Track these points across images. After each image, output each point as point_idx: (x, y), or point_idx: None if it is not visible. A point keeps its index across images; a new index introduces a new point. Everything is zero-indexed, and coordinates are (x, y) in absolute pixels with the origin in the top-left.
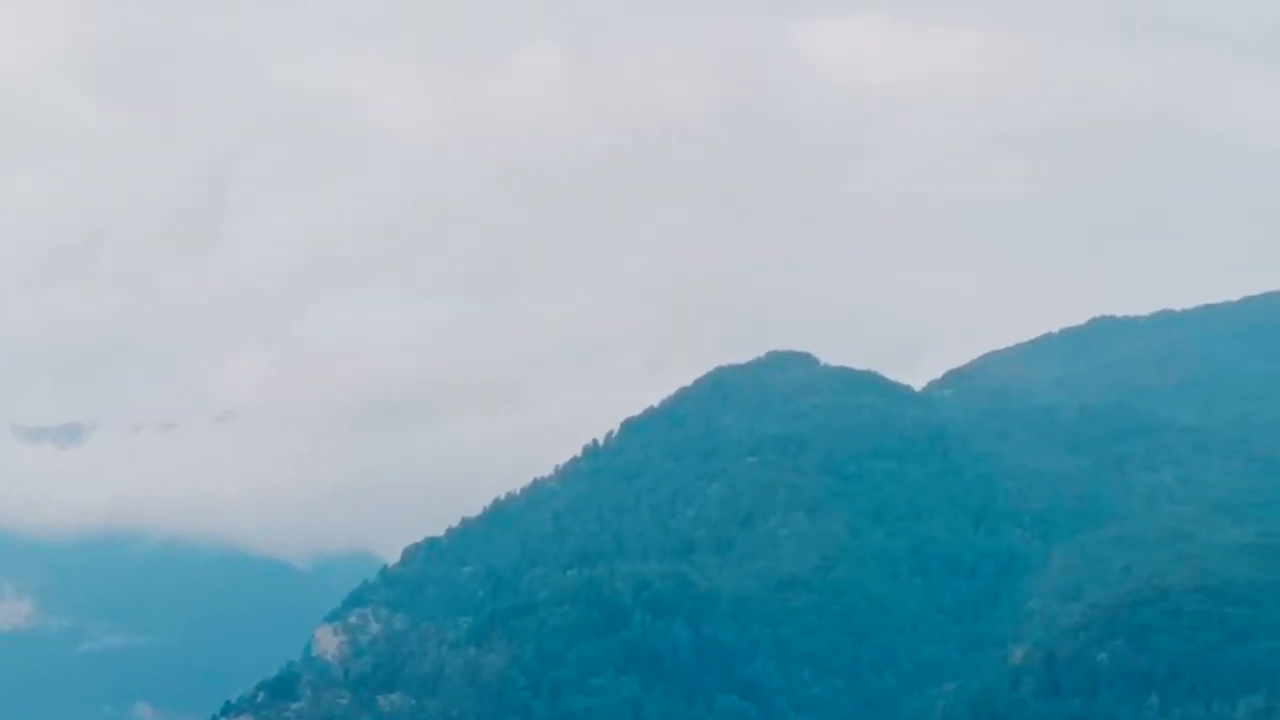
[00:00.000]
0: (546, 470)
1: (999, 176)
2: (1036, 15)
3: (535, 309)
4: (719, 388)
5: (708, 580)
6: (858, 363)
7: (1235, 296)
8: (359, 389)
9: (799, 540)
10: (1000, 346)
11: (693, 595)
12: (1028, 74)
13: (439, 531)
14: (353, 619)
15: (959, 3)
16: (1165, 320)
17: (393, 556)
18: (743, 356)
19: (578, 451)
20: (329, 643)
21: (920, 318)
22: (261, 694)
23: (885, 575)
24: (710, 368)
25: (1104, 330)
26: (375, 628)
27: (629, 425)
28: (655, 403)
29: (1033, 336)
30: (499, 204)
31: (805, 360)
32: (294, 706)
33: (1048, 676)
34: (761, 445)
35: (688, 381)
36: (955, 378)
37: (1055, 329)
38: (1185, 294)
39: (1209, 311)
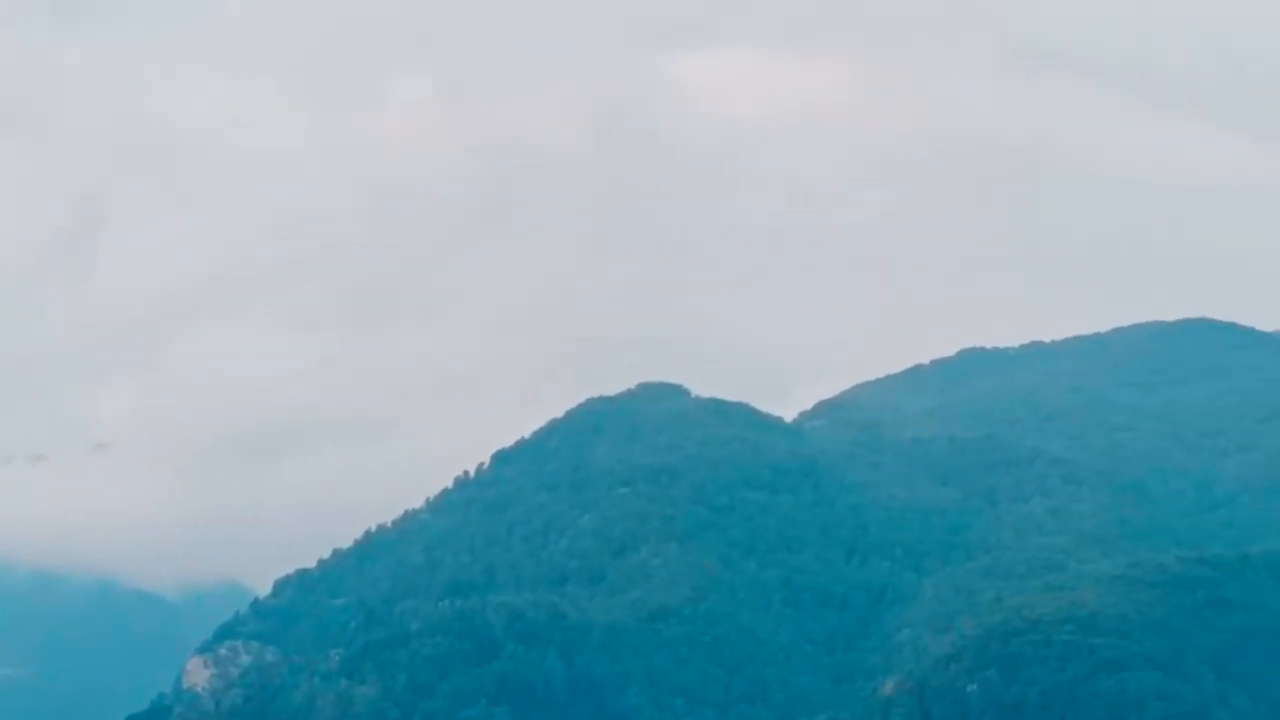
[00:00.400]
0: (418, 502)
1: (870, 207)
2: (908, 47)
3: (408, 340)
4: (590, 419)
5: (580, 611)
6: (729, 394)
7: (1104, 328)
8: (231, 420)
9: (671, 571)
10: (871, 378)
11: (565, 626)
12: (898, 105)
13: (310, 563)
14: (224, 651)
15: (830, 33)
16: (1035, 352)
17: (264, 588)
18: (614, 388)
19: (449, 483)
20: (200, 675)
21: (791, 349)
22: None
23: (757, 606)
24: (582, 399)
25: (974, 362)
26: (246, 660)
27: (501, 456)
28: (527, 434)
29: (903, 368)
30: (372, 235)
31: (676, 391)
32: None
33: (919, 708)
34: (633, 476)
35: (559, 413)
36: (826, 409)
37: (926, 360)
38: (1054, 326)
39: (1078, 343)
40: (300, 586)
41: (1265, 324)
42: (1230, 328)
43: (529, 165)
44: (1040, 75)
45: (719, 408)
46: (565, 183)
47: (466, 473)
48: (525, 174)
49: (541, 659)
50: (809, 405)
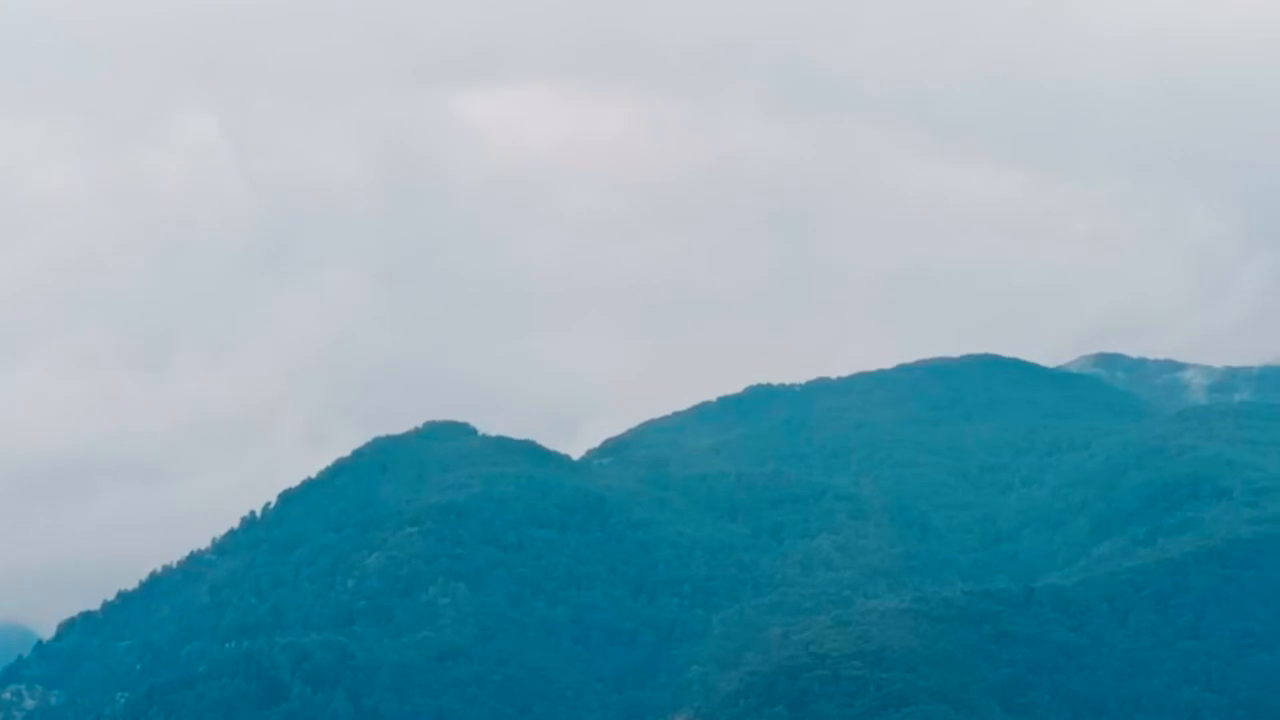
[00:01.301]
0: (204, 543)
1: (656, 246)
2: (693, 85)
3: (192, 381)
4: (378, 458)
5: (368, 651)
6: (516, 432)
7: (889, 365)
8: (11, 462)
9: (459, 610)
10: (658, 415)
11: (353, 666)
12: (684, 144)
13: (95, 606)
14: (7, 695)
15: (617, 73)
16: (820, 388)
17: (48, 631)
18: (401, 427)
19: (235, 523)
20: None
21: (578, 387)
22: None
23: (546, 644)
24: (368, 438)
25: (760, 398)
26: (30, 704)
27: (287, 496)
28: (313, 474)
29: (690, 405)
30: (155, 275)
31: (463, 430)
32: None
33: None
34: (421, 515)
35: (346, 452)
36: (614, 446)
37: (712, 397)
38: (840, 363)
39: (863, 379)
40: (84, 629)
41: (1047, 360)
42: (1013, 364)
43: (314, 204)
44: (824, 114)
45: (506, 446)
46: (351, 222)
47: (253, 513)
48: (311, 213)
49: (329, 700)
50: (596, 443)
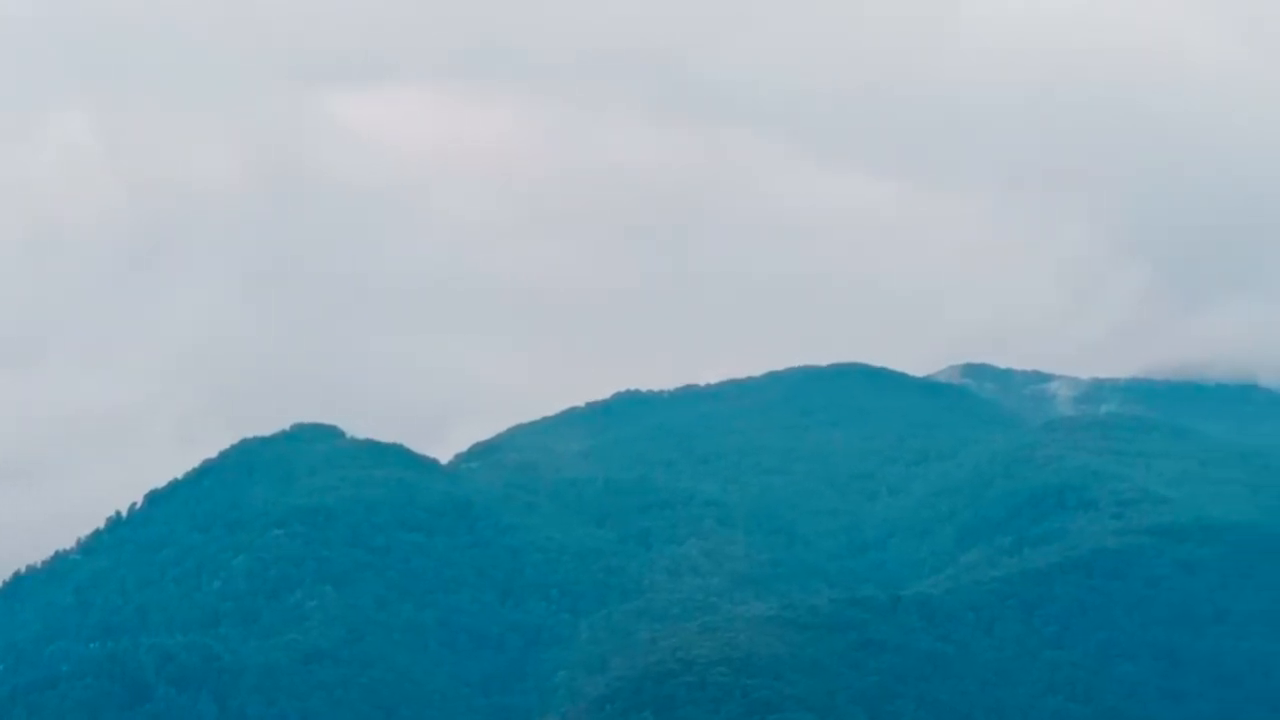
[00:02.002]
0: (69, 542)
1: (529, 250)
2: (573, 90)
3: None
4: (245, 459)
5: (233, 653)
6: (384, 435)
7: (758, 372)
8: None
9: (326, 613)
10: (527, 420)
11: (218, 668)
12: (562, 149)
13: None
14: None
15: (496, 77)
16: (689, 395)
17: None
18: (269, 428)
19: (101, 524)
20: None
21: (447, 390)
22: None
23: (413, 648)
24: (236, 439)
25: (629, 404)
26: None
27: (153, 497)
28: (180, 474)
29: (559, 410)
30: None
31: (331, 433)
32: None
33: None
34: (288, 517)
35: (213, 453)
36: (482, 451)
37: (581, 403)
38: (709, 369)
39: (732, 386)
40: None
41: (916, 370)
42: (882, 373)
43: (190, 205)
44: (702, 121)
45: (374, 449)
46: (226, 222)
47: (119, 513)
48: (185, 213)
49: (194, 701)
50: (465, 447)
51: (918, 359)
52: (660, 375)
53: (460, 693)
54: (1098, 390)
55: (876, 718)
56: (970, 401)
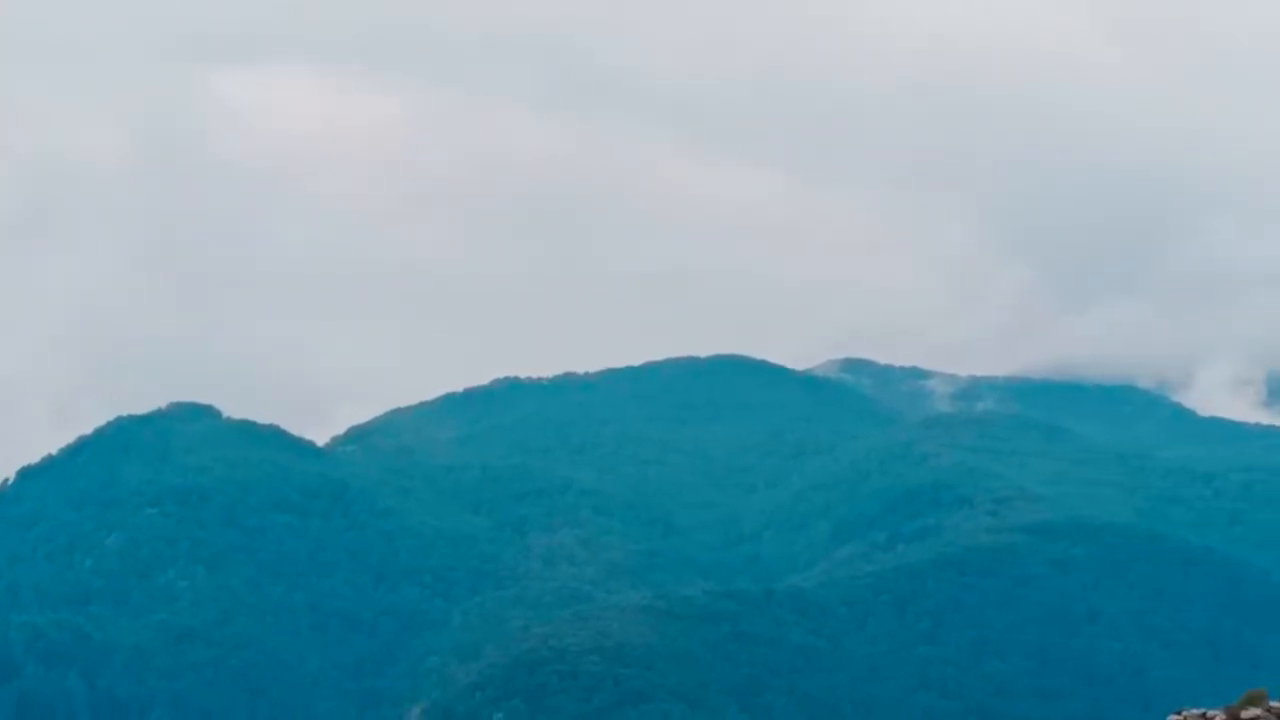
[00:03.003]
0: None
1: (414, 235)
2: (462, 76)
3: None
4: (120, 437)
5: (103, 632)
6: (261, 417)
7: (637, 361)
8: None
9: (198, 593)
10: (404, 404)
11: (88, 647)
12: (450, 134)
13: None
14: None
15: (383, 60)
16: (568, 383)
17: None
18: (145, 407)
19: None
20: None
21: (326, 373)
22: None
23: (284, 630)
24: (112, 417)
25: (507, 391)
26: None
27: (26, 473)
28: (55, 451)
29: (437, 395)
30: None
31: (208, 412)
32: None
33: None
34: (162, 496)
35: (88, 430)
36: (359, 434)
37: (459, 388)
38: (589, 358)
39: (611, 376)
40: None
41: (795, 364)
42: (761, 366)
43: (71, 181)
44: (592, 111)
45: (250, 430)
46: (108, 200)
47: None
48: (67, 190)
49: (63, 679)
50: (342, 430)
51: (797, 353)
52: (539, 363)
53: (330, 676)
54: (975, 388)
55: (747, 710)
56: (849, 397)
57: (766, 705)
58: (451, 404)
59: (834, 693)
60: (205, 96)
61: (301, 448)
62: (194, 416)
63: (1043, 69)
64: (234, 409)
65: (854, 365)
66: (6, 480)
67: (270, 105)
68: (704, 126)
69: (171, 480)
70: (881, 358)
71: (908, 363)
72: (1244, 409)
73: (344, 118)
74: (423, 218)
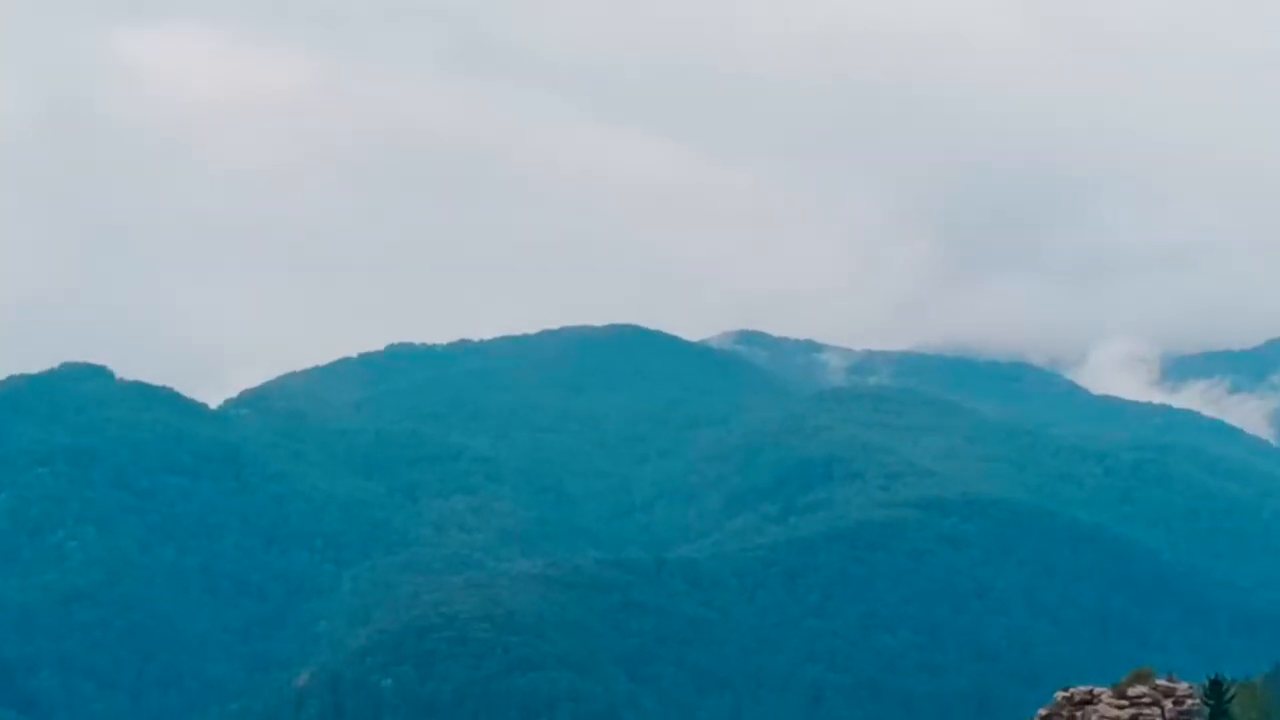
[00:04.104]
0: None
1: (313, 199)
2: (366, 42)
3: None
4: (10, 397)
5: None
6: (154, 378)
7: (534, 330)
8: None
9: (87, 554)
10: (299, 368)
11: None
12: (352, 100)
13: None
14: None
15: (284, 23)
16: (464, 350)
17: None
18: (37, 366)
19: None
20: None
21: (221, 336)
22: None
23: (174, 592)
24: (3, 375)
25: (402, 357)
26: None
27: None
28: None
29: (331, 359)
30: None
31: (100, 373)
32: None
33: (332, 700)
34: (52, 456)
35: None
36: (252, 397)
37: (354, 353)
38: (485, 325)
39: (507, 343)
40: None
41: (690, 334)
42: (656, 336)
43: None
44: (495, 79)
45: (143, 391)
46: (3, 158)
47: None
48: None
49: None
50: (235, 393)
51: (693, 324)
52: (435, 329)
53: (220, 639)
54: (870, 362)
55: (635, 680)
56: (743, 368)
57: (655, 675)
58: (346, 368)
59: (723, 664)
60: (104, 56)
61: (194, 410)
62: (86, 376)
63: (944, 48)
64: (127, 370)
65: (749, 337)
66: None
67: (169, 67)
68: (605, 97)
69: (62, 440)
70: (776, 330)
71: (802, 336)
72: (1136, 387)
73: (243, 81)
74: (321, 182)
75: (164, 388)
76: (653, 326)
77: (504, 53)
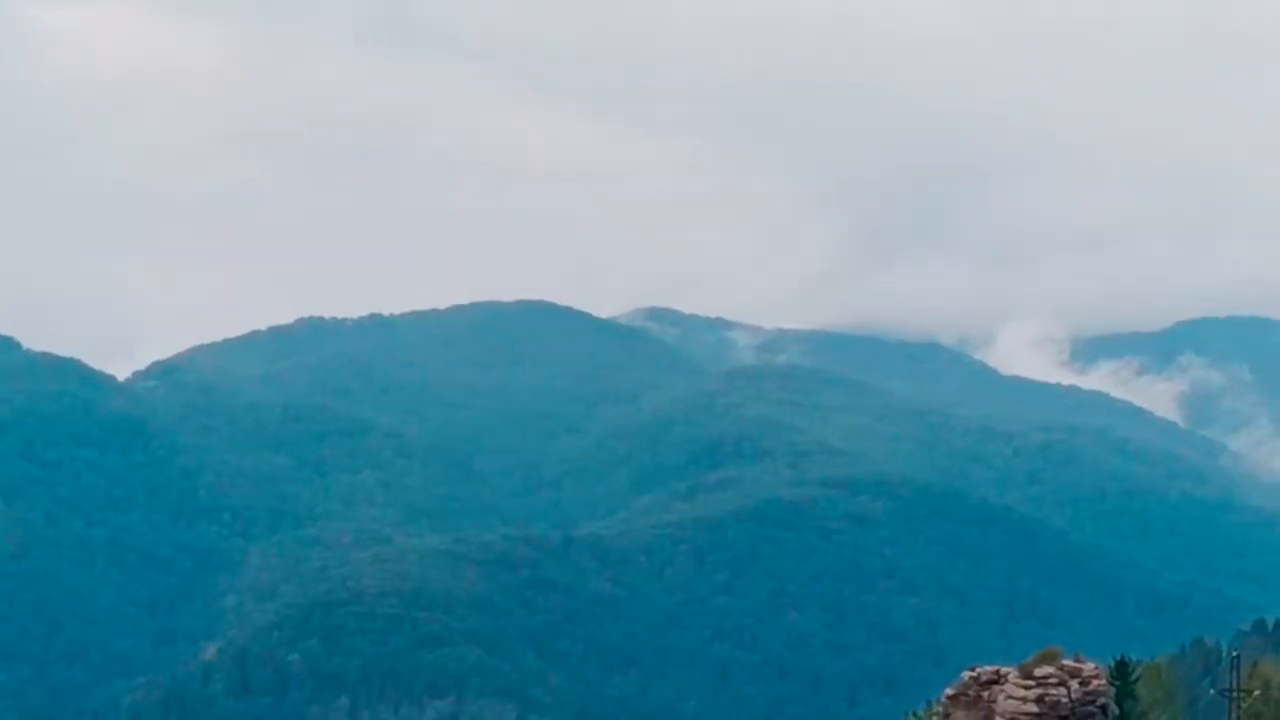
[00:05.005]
0: None
1: (221, 172)
2: (280, 14)
3: None
4: None
5: None
6: (62, 349)
7: (444, 305)
8: None
9: None
10: (208, 341)
11: None
12: (271, 72)
13: None
14: None
15: None
16: (374, 324)
17: None
18: None
19: None
20: None
21: (129, 308)
22: None
23: (81, 565)
24: None
25: (312, 330)
26: None
27: None
28: None
29: (241, 332)
30: None
31: (7, 344)
32: None
33: (239, 674)
34: None
35: None
36: (161, 370)
37: (264, 326)
38: (395, 299)
39: (417, 318)
40: None
41: (600, 311)
42: (566, 312)
43: None
44: (415, 52)
45: (51, 363)
46: None
47: None
48: None
49: None
50: (144, 365)
51: (603, 301)
52: (345, 303)
53: (127, 612)
54: (780, 340)
55: (543, 656)
56: (653, 346)
57: (563, 652)
58: (256, 341)
59: (631, 641)
60: (14, 26)
61: (102, 382)
62: None
63: (861, 31)
64: (34, 341)
65: (659, 315)
66: None
67: (81, 37)
68: (520, 73)
69: None
70: (687, 308)
71: (713, 314)
72: (1046, 368)
73: (160, 50)
74: (235, 153)
75: (71, 359)
76: (563, 303)
77: (423, 29)
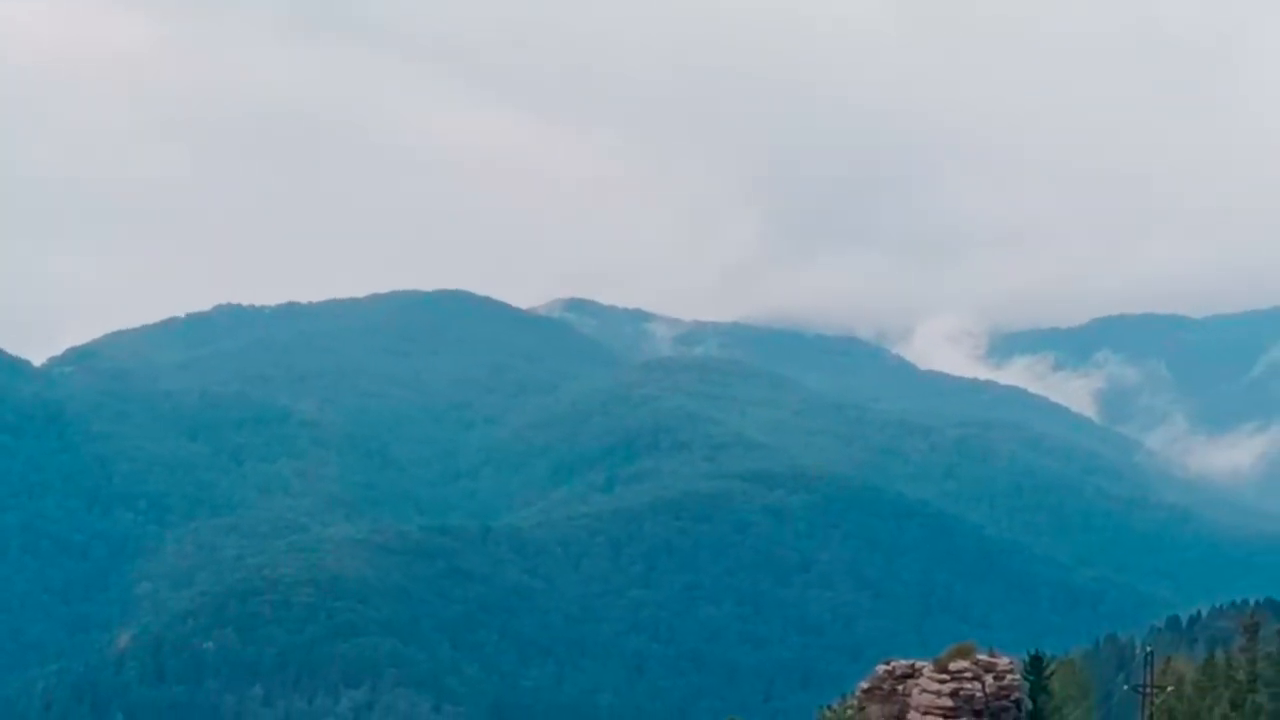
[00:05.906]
0: None
1: (140, 159)
2: (208, 3)
3: None
4: None
5: None
6: None
7: (362, 294)
8: None
9: None
10: (125, 327)
11: None
12: (191, 61)
13: None
14: None
15: None
16: (291, 312)
17: None
18: None
19: None
20: None
21: (44, 293)
22: None
23: None
24: None
25: (229, 318)
26: None
27: None
28: None
29: (158, 319)
30: None
31: None
32: None
33: (153, 662)
34: None
35: None
36: (77, 355)
37: (181, 313)
38: (313, 288)
39: (335, 306)
40: None
41: (518, 301)
42: (484, 302)
43: None
44: (338, 43)
45: None
46: None
47: None
48: None
49: None
50: (59, 351)
51: (521, 291)
52: (263, 291)
53: (40, 599)
54: (698, 333)
55: (459, 647)
56: (571, 336)
57: (479, 642)
58: (173, 328)
59: (547, 632)
60: None
61: (17, 367)
62: None
63: (784, 26)
64: None
65: (577, 305)
66: None
67: (6, 24)
68: (442, 64)
69: None
70: (605, 299)
71: (631, 305)
72: (962, 363)
73: (82, 39)
74: (154, 141)
75: None
76: (482, 293)
77: (348, 20)
